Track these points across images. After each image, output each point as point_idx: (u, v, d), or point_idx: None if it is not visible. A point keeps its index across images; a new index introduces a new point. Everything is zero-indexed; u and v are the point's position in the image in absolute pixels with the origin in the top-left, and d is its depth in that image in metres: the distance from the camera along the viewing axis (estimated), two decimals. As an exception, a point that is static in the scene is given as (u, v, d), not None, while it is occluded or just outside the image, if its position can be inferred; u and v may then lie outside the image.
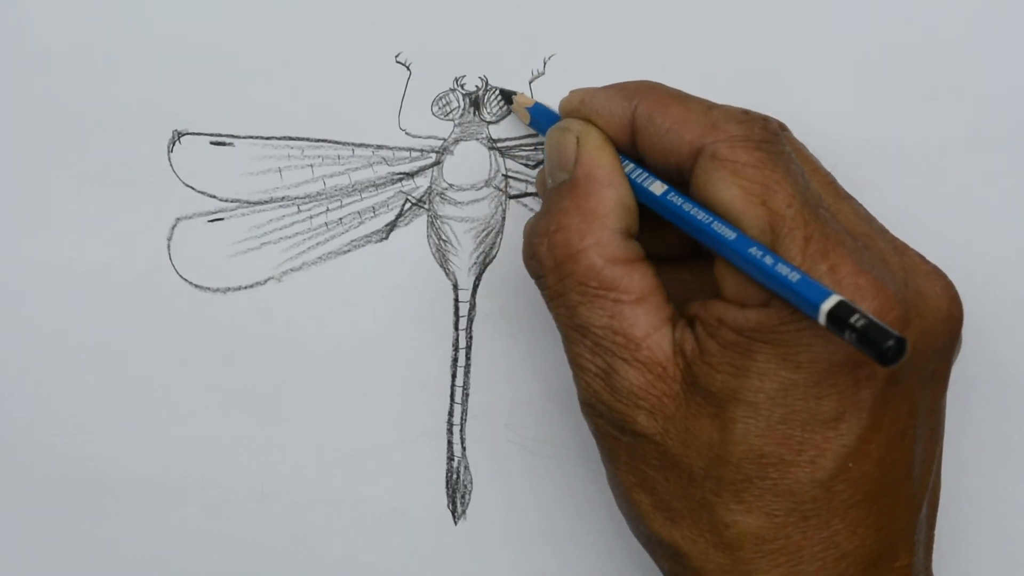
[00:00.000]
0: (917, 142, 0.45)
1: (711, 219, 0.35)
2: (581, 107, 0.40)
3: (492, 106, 0.46)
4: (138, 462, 0.47)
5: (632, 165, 0.38)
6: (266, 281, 0.46)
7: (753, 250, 0.34)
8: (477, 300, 0.46)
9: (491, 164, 0.46)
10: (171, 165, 0.46)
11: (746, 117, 0.37)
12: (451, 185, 0.46)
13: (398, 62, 0.46)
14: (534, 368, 0.46)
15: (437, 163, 0.46)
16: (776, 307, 0.34)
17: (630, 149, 0.39)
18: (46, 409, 0.47)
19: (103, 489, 0.47)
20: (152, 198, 0.46)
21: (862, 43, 0.45)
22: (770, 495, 0.35)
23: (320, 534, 0.46)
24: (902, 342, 0.30)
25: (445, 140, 0.46)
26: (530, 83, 0.45)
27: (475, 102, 0.46)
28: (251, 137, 0.46)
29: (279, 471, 0.46)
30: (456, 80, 0.46)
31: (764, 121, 0.37)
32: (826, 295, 0.32)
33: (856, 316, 0.31)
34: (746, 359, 0.34)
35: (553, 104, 0.42)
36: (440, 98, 0.46)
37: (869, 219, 0.38)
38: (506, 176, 0.46)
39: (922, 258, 0.38)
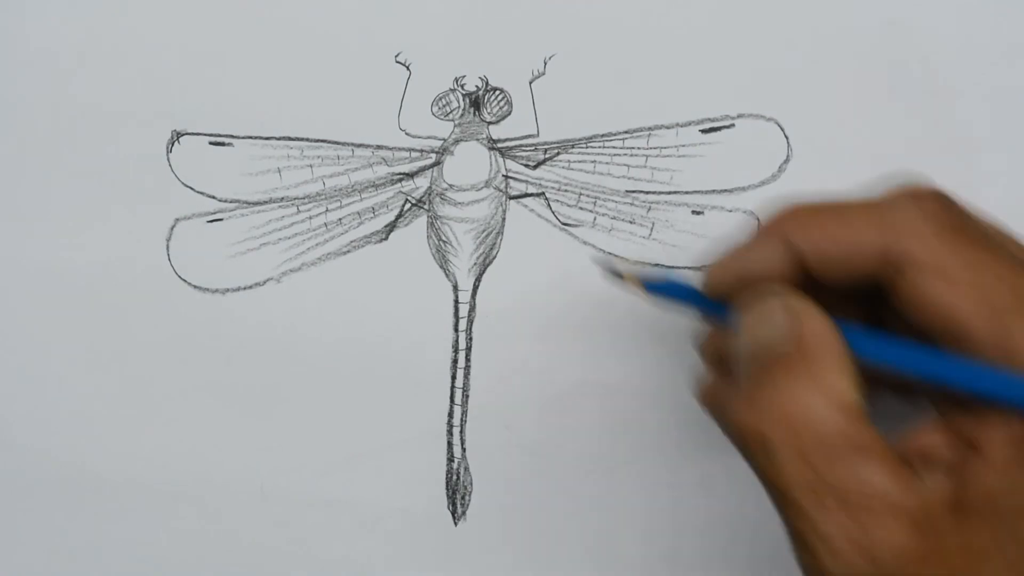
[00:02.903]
0: (917, 142, 0.45)
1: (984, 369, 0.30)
2: (743, 273, 0.35)
3: (492, 106, 0.46)
4: (137, 463, 0.47)
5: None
6: (265, 282, 0.46)
7: None
8: (477, 301, 0.46)
9: (491, 164, 0.46)
10: (170, 165, 0.46)
11: (921, 204, 0.33)
12: (451, 185, 0.46)
13: (398, 62, 0.46)
14: (534, 369, 0.46)
15: (437, 163, 0.46)
16: None
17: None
18: (45, 409, 0.47)
19: (101, 490, 0.47)
20: (151, 198, 0.46)
21: (862, 43, 0.45)
22: None
23: (320, 535, 0.46)
24: None
25: (445, 140, 0.46)
26: (530, 83, 0.45)
27: (475, 102, 0.46)
28: (250, 137, 0.46)
29: (279, 472, 0.46)
30: (456, 80, 0.46)
31: (937, 198, 0.33)
32: None
33: None
34: None
35: (560, 105, 0.42)
36: (440, 98, 0.46)
37: None
38: (506, 177, 0.46)
39: None
